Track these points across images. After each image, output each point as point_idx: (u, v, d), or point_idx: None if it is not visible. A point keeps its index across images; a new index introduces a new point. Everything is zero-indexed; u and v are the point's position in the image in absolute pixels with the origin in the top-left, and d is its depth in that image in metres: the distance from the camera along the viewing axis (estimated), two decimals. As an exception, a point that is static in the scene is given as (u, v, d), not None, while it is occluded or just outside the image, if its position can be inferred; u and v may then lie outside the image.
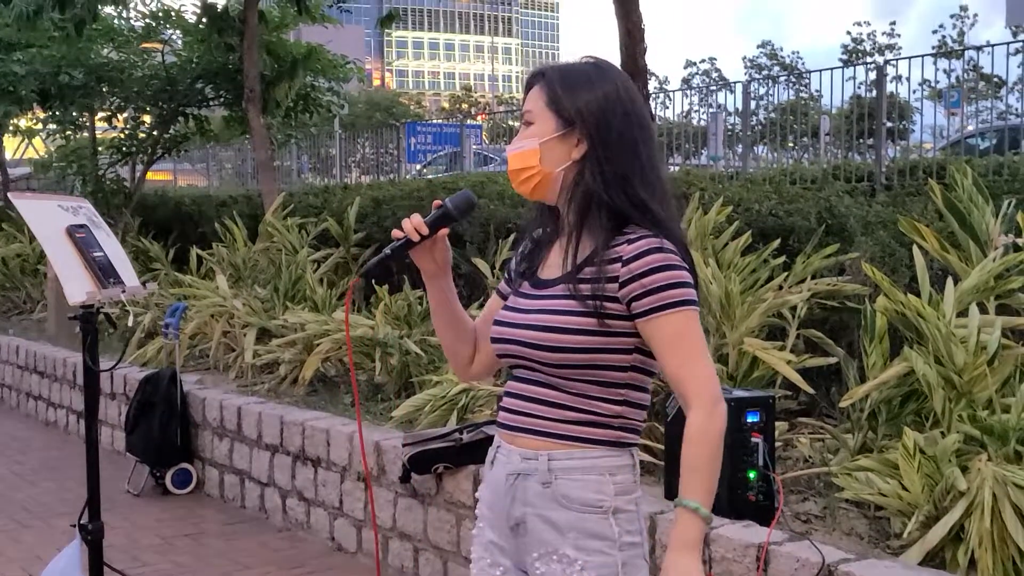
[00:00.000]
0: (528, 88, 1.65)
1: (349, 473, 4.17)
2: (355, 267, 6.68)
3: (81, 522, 3.06)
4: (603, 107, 1.57)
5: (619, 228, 1.56)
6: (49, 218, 3.01)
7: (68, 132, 10.28)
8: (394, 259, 1.65)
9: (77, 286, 2.91)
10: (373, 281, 6.15)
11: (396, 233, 1.65)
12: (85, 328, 2.99)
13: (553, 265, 1.62)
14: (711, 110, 10.13)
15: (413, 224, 1.63)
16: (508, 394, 1.66)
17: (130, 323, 3.11)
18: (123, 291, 2.99)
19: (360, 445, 1.76)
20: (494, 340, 1.66)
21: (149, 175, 10.99)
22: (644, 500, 1.66)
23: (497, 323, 1.65)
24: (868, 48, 25.12)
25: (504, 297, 1.72)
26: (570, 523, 1.54)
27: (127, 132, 10.08)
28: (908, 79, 7.96)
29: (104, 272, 2.98)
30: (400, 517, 3.89)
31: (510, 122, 17.30)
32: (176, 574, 4.02)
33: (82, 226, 3.05)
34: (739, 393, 3.12)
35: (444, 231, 1.67)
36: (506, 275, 1.76)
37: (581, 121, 1.57)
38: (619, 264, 1.52)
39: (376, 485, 4.00)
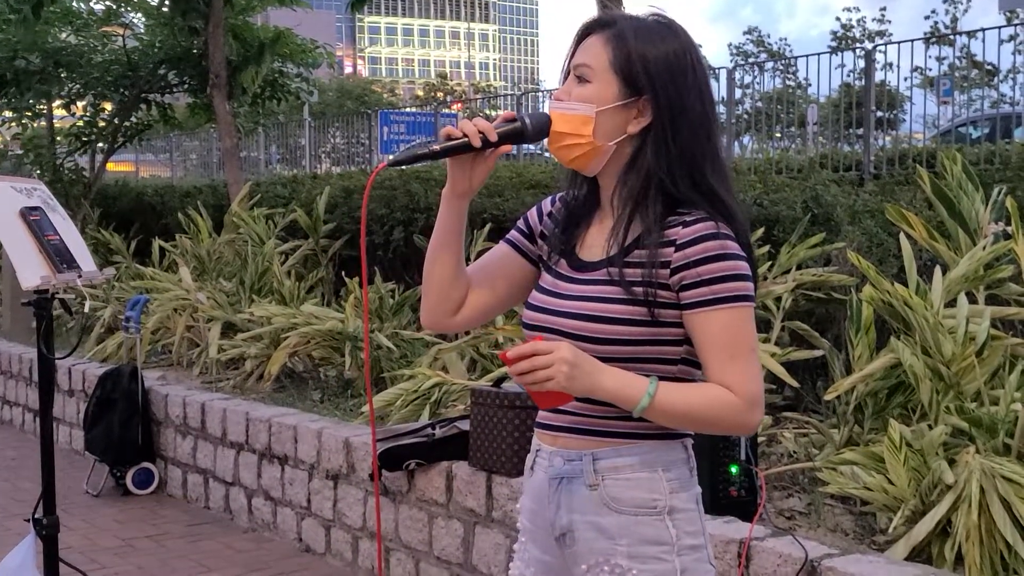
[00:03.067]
0: (585, 34, 1.43)
1: (317, 471, 4.05)
2: (324, 259, 6.52)
3: (35, 516, 2.94)
4: (677, 77, 1.39)
5: (673, 209, 1.39)
6: (2, 200, 2.91)
7: (25, 120, 9.99)
8: (437, 157, 1.39)
9: (31, 271, 2.83)
10: (343, 273, 6.02)
11: (451, 131, 1.40)
12: (39, 314, 2.90)
13: (595, 246, 1.45)
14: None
15: (479, 127, 1.38)
16: None
17: (86, 309, 2.98)
18: (79, 276, 2.89)
19: (372, 452, 1.63)
20: (528, 326, 1.47)
21: (110, 166, 10.75)
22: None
23: (531, 307, 1.47)
24: (858, 35, 25.18)
25: (517, 250, 1.54)
26: (622, 528, 1.40)
27: (86, 120, 9.82)
28: (898, 66, 7.92)
29: (59, 256, 2.90)
30: (370, 516, 3.80)
31: (487, 111, 17.16)
32: (136, 578, 3.89)
33: (36, 208, 2.96)
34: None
35: (504, 148, 1.42)
36: (522, 226, 1.55)
37: (652, 91, 1.38)
38: (672, 248, 1.36)
39: (345, 483, 3.90)
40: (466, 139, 1.40)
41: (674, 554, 1.40)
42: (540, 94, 15.11)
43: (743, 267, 1.37)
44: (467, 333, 4.38)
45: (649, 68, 1.39)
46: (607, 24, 1.43)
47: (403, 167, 1.50)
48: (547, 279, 1.50)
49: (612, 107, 1.40)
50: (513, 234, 1.56)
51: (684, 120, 1.39)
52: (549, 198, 1.57)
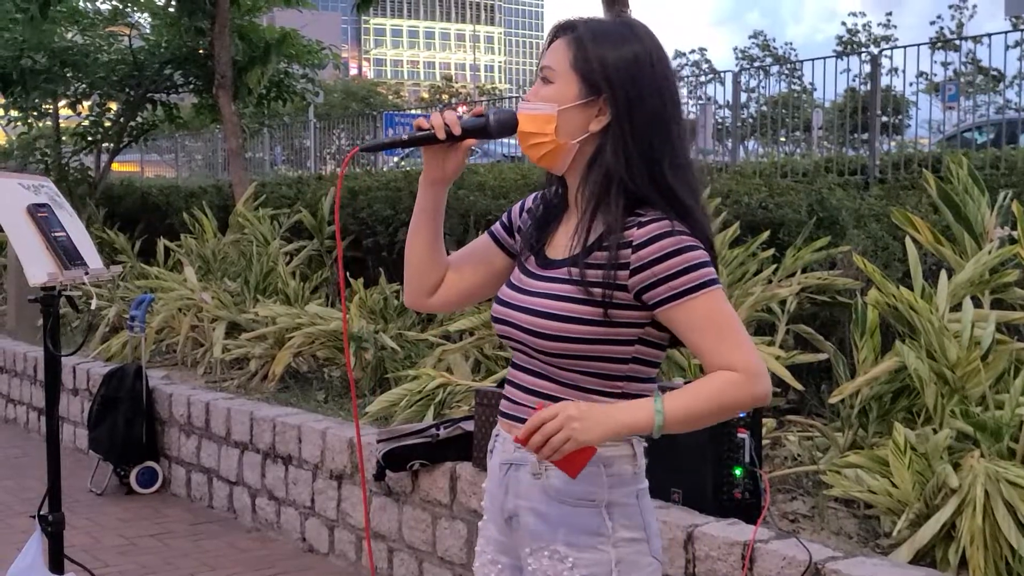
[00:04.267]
0: (553, 38, 1.50)
1: (321, 471, 4.05)
2: (329, 260, 6.53)
3: (41, 513, 2.95)
4: (635, 76, 1.43)
5: (632, 210, 1.43)
6: (9, 196, 2.91)
7: (30, 120, 10.01)
8: (405, 146, 1.52)
9: (38, 267, 2.83)
10: (348, 274, 6.03)
11: (421, 123, 1.49)
12: (46, 311, 2.91)
13: (559, 245, 1.51)
14: (700, 102, 10.02)
15: (445, 120, 1.47)
16: (508, 381, 1.55)
17: (93, 306, 2.99)
18: (86, 273, 2.89)
19: (359, 452, 1.63)
20: (494, 320, 1.53)
21: (115, 166, 10.75)
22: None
23: (499, 301, 1.53)
24: (863, 40, 25.12)
25: (497, 241, 1.60)
26: (561, 518, 1.46)
27: (92, 119, 9.83)
28: (904, 71, 7.91)
29: (66, 253, 2.90)
30: (374, 516, 3.79)
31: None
32: (140, 575, 3.89)
33: (43, 205, 2.96)
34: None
35: (470, 142, 1.51)
36: (505, 219, 1.61)
37: (609, 90, 1.42)
38: (629, 250, 1.40)
39: (349, 483, 3.90)
40: (432, 131, 1.48)
41: (610, 545, 1.45)
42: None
43: (701, 255, 1.40)
44: (471, 334, 4.38)
45: (607, 68, 1.43)
46: (570, 28, 1.48)
47: (375, 152, 1.61)
48: (516, 274, 1.55)
49: (573, 106, 1.44)
50: (496, 226, 1.62)
51: (642, 119, 1.43)
52: (533, 195, 1.61)
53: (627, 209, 1.43)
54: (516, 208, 1.62)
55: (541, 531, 1.47)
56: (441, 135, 1.47)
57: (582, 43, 1.45)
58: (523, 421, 1.44)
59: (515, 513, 1.51)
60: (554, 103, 1.45)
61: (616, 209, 1.42)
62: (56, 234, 2.88)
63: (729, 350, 1.38)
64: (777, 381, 3.39)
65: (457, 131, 1.47)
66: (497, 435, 1.56)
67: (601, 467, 1.44)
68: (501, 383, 3.41)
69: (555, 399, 1.42)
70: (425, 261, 1.58)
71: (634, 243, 1.40)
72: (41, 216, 2.89)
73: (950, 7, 22.85)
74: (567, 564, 1.45)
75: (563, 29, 1.49)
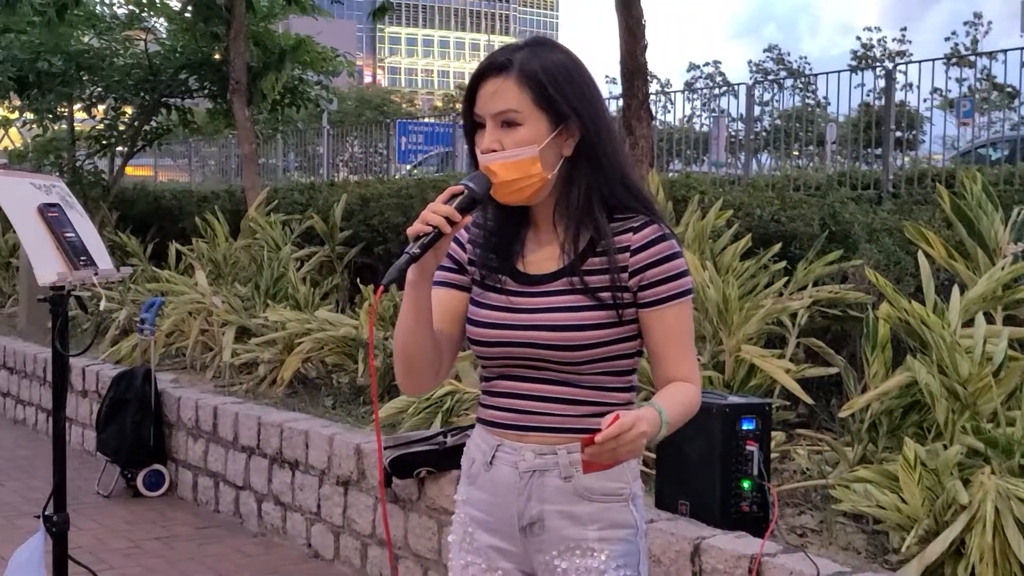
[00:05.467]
0: (489, 74, 1.48)
1: (328, 477, 4.05)
2: (339, 266, 6.54)
3: (45, 513, 2.95)
4: (591, 97, 1.49)
5: (610, 215, 1.51)
6: (21, 196, 2.92)
7: (45, 122, 10.08)
8: (419, 257, 1.44)
9: (47, 266, 2.83)
10: (358, 280, 6.03)
11: (419, 228, 1.44)
12: (55, 311, 2.91)
13: (540, 260, 1.54)
14: (713, 114, 10.02)
15: (442, 213, 1.43)
16: (506, 394, 1.55)
17: (102, 307, 3.00)
18: (96, 273, 2.90)
19: (379, 462, 1.63)
20: (489, 344, 1.54)
21: (129, 170, 10.79)
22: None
23: (484, 325, 1.53)
24: (878, 54, 25.05)
25: (453, 287, 1.58)
26: (593, 515, 1.51)
27: (107, 123, 9.89)
28: (918, 87, 7.88)
29: (76, 253, 2.90)
30: (380, 523, 3.79)
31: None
32: (144, 580, 3.89)
33: (54, 205, 2.96)
34: (734, 399, 3.03)
35: (468, 219, 1.49)
36: (448, 264, 1.59)
37: (575, 115, 1.48)
38: (627, 254, 1.49)
39: (355, 489, 3.89)
40: (436, 230, 1.44)
41: (637, 537, 1.54)
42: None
43: (685, 262, 1.52)
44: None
45: (564, 92, 1.47)
46: (504, 67, 1.48)
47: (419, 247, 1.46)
48: (491, 297, 1.55)
49: (548, 140, 1.48)
50: (441, 275, 1.58)
51: (605, 131, 1.50)
52: (471, 231, 1.60)
53: (609, 217, 1.50)
54: (454, 246, 1.59)
55: (572, 531, 1.51)
56: (447, 229, 1.44)
57: (533, 77, 1.46)
58: (535, 429, 1.51)
59: (539, 519, 1.53)
60: (532, 144, 1.47)
61: (602, 218, 1.49)
62: (66, 234, 2.89)
63: (688, 360, 1.51)
64: (787, 394, 3.37)
65: (458, 218, 1.45)
66: (498, 445, 1.55)
67: (625, 463, 1.50)
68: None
69: (580, 402, 1.51)
70: (432, 348, 1.55)
71: (632, 247, 1.49)
72: (52, 216, 2.89)
73: (965, 23, 22.84)
74: (600, 558, 1.50)
75: (495, 69, 1.48)
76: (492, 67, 1.48)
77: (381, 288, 1.47)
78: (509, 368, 1.54)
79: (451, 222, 1.45)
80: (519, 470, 1.53)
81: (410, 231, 1.45)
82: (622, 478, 1.52)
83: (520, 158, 1.46)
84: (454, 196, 1.47)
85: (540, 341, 1.49)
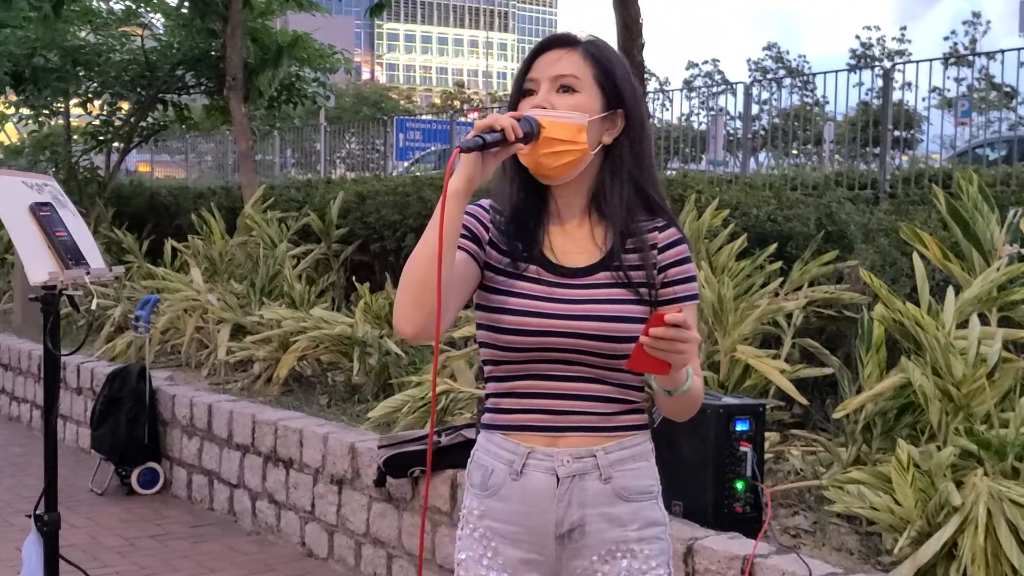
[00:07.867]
0: (555, 46, 1.51)
1: (322, 476, 4.04)
2: (336, 264, 6.53)
3: (37, 512, 2.94)
4: (639, 98, 1.54)
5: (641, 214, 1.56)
6: (12, 195, 2.92)
7: (41, 118, 10.05)
8: (486, 147, 1.40)
9: (39, 266, 2.84)
10: (354, 278, 6.03)
11: (488, 123, 1.40)
12: (46, 310, 2.91)
13: (573, 251, 1.52)
14: (711, 113, 10.02)
15: (507, 124, 1.40)
16: (535, 395, 1.49)
17: (93, 306, 2.99)
18: (87, 272, 2.89)
19: (427, 477, 1.62)
20: (528, 333, 1.47)
21: (142, 167, 10.76)
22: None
23: (527, 314, 1.47)
24: (877, 53, 25.06)
25: (472, 257, 1.49)
26: (631, 514, 1.52)
27: (103, 119, 9.87)
28: (917, 86, 7.89)
29: (68, 252, 2.90)
30: (374, 522, 3.78)
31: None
32: (138, 577, 3.88)
33: (46, 204, 2.96)
34: (728, 400, 3.03)
35: (519, 146, 1.43)
36: (472, 235, 1.51)
37: (625, 106, 1.51)
38: (656, 251, 1.53)
39: (349, 488, 3.89)
40: (502, 132, 1.41)
41: (666, 532, 1.56)
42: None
43: (694, 266, 1.58)
44: (476, 341, 4.36)
45: (620, 84, 1.51)
46: (571, 43, 1.51)
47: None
48: (523, 286, 1.49)
49: (597, 118, 1.49)
50: (466, 243, 1.51)
51: (646, 134, 1.55)
52: (475, 206, 1.55)
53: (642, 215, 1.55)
54: (473, 221, 1.53)
55: (612, 534, 1.50)
56: (511, 136, 1.40)
57: (596, 59, 1.50)
58: (569, 430, 1.49)
59: (581, 523, 1.49)
60: (584, 113, 1.47)
61: (640, 213, 1.53)
62: (58, 233, 2.89)
63: (694, 361, 1.50)
64: (782, 395, 3.37)
65: (520, 134, 1.41)
66: (529, 452, 1.49)
67: (652, 460, 1.54)
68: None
69: (610, 399, 1.50)
70: (444, 287, 1.39)
71: (659, 245, 1.52)
72: (43, 215, 2.89)
73: (964, 23, 22.86)
74: (642, 557, 1.50)
75: (562, 43, 1.51)
76: (558, 40, 1.52)
77: (457, 150, 1.40)
78: (537, 366, 1.48)
79: (517, 137, 1.40)
80: (559, 476, 1.48)
81: (478, 124, 1.41)
82: (651, 476, 1.54)
83: (570, 120, 1.45)
84: (522, 120, 1.44)
85: (586, 331, 1.46)
